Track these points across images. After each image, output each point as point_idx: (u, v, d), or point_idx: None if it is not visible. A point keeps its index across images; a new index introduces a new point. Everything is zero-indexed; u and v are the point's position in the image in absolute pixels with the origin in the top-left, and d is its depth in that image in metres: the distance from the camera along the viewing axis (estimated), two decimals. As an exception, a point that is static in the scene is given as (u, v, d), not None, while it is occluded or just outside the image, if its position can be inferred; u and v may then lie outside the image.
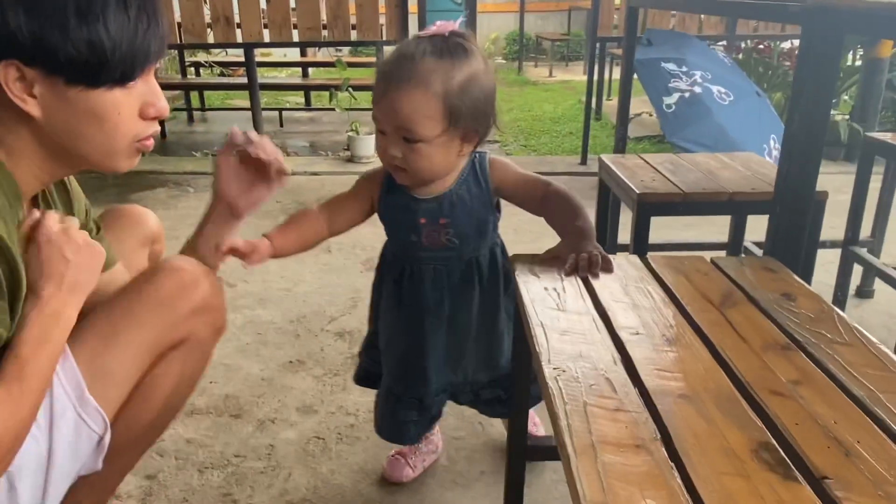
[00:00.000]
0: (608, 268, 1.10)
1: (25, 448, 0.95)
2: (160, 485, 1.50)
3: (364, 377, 1.48)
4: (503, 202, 1.31)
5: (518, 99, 7.66)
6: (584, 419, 0.74)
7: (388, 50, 4.52)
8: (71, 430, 0.98)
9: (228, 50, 6.33)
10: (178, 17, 3.73)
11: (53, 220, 0.94)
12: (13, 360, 0.90)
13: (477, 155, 1.23)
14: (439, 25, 1.12)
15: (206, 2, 3.74)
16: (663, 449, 0.69)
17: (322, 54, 7.70)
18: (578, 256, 1.10)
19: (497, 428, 1.71)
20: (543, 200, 1.22)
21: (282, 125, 6.04)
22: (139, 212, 1.37)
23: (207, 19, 3.76)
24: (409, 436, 1.42)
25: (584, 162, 4.20)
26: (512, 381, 1.23)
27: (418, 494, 1.49)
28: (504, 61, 10.47)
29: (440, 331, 1.28)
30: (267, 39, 3.78)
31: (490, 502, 1.47)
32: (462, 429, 1.71)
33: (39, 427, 0.97)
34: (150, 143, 0.99)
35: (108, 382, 1.01)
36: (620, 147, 2.32)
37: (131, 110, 0.94)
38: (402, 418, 1.36)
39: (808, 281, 1.56)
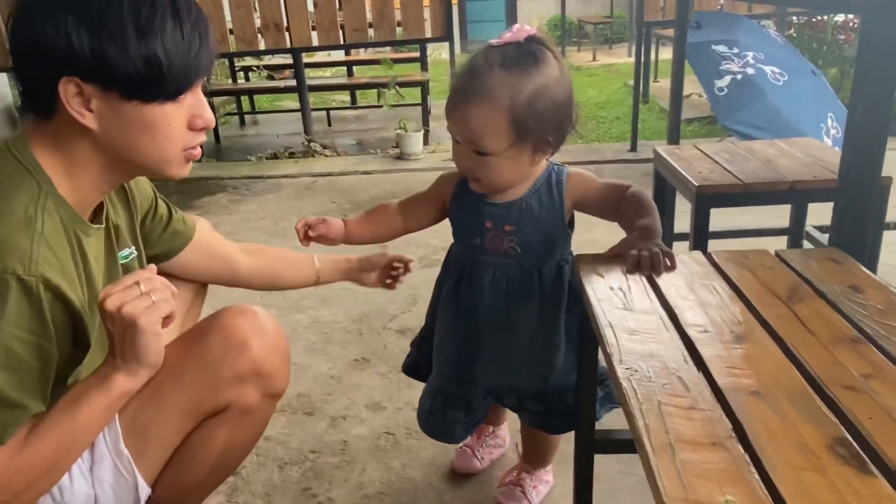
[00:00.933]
0: (672, 265, 1.10)
1: (76, 486, 1.01)
2: (244, 480, 1.58)
3: (412, 368, 1.50)
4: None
5: (562, 85, 7.61)
6: (660, 418, 0.77)
7: (434, 47, 4.52)
8: (110, 475, 1.01)
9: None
10: (229, 24, 3.84)
11: (133, 302, 0.91)
12: (70, 415, 0.94)
13: (555, 167, 1.23)
14: (515, 31, 1.11)
15: (256, 9, 3.83)
16: (739, 446, 0.72)
17: (366, 52, 7.78)
18: (640, 254, 1.09)
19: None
20: (619, 206, 1.20)
21: (330, 124, 6.15)
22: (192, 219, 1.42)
23: (257, 25, 3.85)
24: (455, 436, 1.42)
25: (633, 149, 4.16)
26: (580, 374, 1.25)
27: (487, 486, 1.54)
28: (546, 47, 10.40)
29: (493, 337, 1.28)
30: (315, 43, 3.86)
31: (559, 492, 1.51)
32: (526, 421, 1.75)
33: (82, 468, 1.01)
34: (199, 152, 1.03)
35: (144, 440, 1.01)
36: (674, 136, 2.31)
37: (181, 122, 0.98)
38: (451, 418, 1.37)
39: (874, 267, 1.54)
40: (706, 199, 1.58)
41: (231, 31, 3.85)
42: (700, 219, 1.59)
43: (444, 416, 1.37)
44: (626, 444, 1.32)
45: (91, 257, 1.02)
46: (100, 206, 1.07)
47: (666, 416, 0.77)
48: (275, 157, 4.70)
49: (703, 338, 0.93)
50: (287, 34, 3.81)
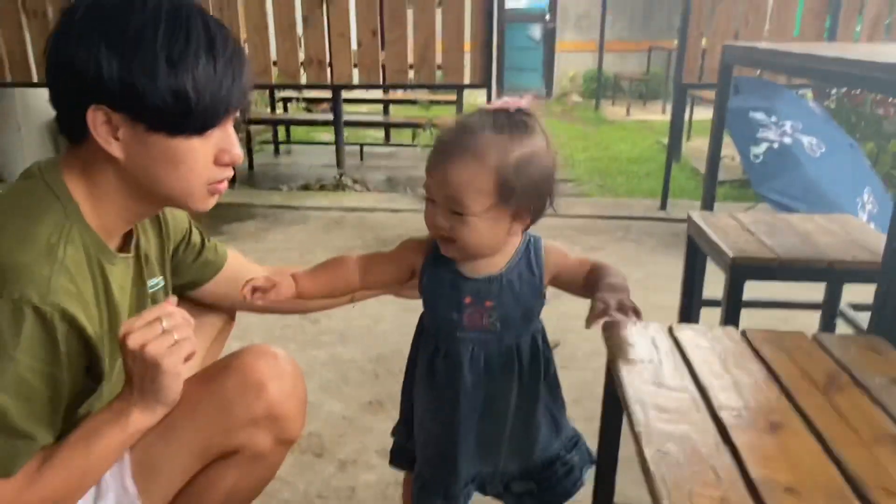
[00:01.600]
0: (638, 317, 1.04)
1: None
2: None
3: (400, 455, 1.37)
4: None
5: (594, 137, 7.64)
6: (690, 509, 0.74)
7: (471, 91, 4.57)
8: None
9: (314, 85, 6.56)
10: (274, 57, 3.92)
11: (156, 341, 0.91)
12: (83, 450, 0.92)
13: (532, 238, 1.18)
14: (505, 101, 1.09)
15: (301, 44, 3.91)
16: (773, 547, 0.69)
17: (403, 91, 7.90)
18: (611, 303, 1.04)
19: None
20: (587, 276, 1.17)
21: (362, 159, 6.21)
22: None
23: (301, 59, 3.93)
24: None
25: (663, 207, 4.14)
26: (602, 444, 1.22)
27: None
28: (581, 99, 10.48)
29: (473, 417, 1.20)
30: (356, 81, 3.92)
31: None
32: (540, 483, 1.70)
33: (85, 500, 0.99)
34: (224, 186, 1.02)
35: (151, 476, 1.00)
36: (709, 203, 2.29)
37: (207, 157, 0.96)
38: None
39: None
40: (742, 270, 1.55)
41: (275, 63, 3.93)
42: (734, 290, 1.56)
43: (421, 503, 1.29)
44: (645, 520, 1.27)
45: (115, 286, 1.01)
46: (129, 234, 1.06)
47: (696, 507, 0.74)
48: (306, 188, 4.74)
49: (736, 423, 0.89)
50: (329, 70, 3.88)
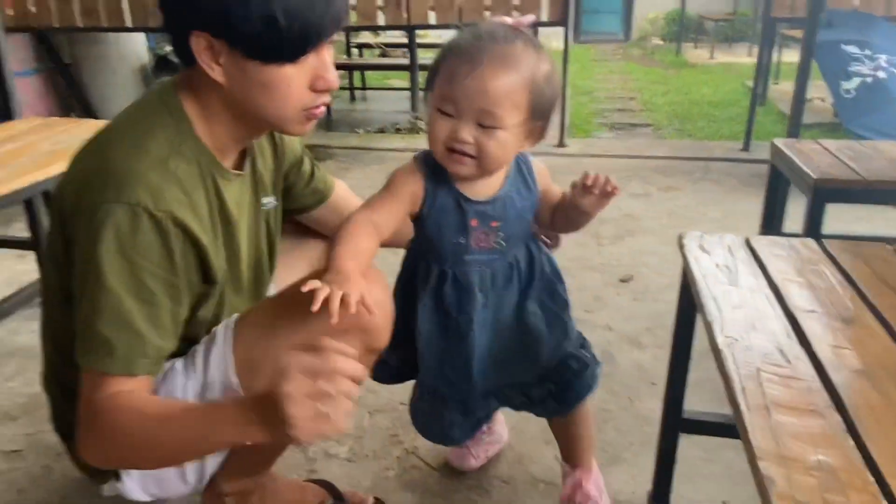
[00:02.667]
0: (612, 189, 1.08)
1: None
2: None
3: (394, 375, 1.39)
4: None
5: (675, 81, 7.40)
6: (758, 383, 0.78)
7: (543, 34, 4.52)
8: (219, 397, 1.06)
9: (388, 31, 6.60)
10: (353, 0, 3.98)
11: (323, 423, 0.85)
12: (197, 439, 0.94)
13: (520, 156, 1.18)
14: (518, 20, 1.07)
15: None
16: (837, 415, 0.73)
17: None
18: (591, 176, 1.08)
19: (646, 403, 1.75)
20: (560, 202, 1.20)
21: (436, 104, 6.24)
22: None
23: (378, 2, 3.97)
24: (454, 438, 1.35)
25: (746, 148, 4.02)
26: (674, 350, 1.27)
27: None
28: (662, 42, 10.12)
29: (485, 334, 1.22)
30: (433, 22, 3.94)
31: (639, 471, 1.52)
32: (611, 402, 1.77)
33: (193, 391, 1.07)
34: (320, 111, 1.04)
35: (253, 373, 1.04)
36: (794, 133, 2.23)
37: (301, 83, 0.98)
38: (448, 420, 1.31)
39: None
40: (823, 192, 1.54)
41: (353, 7, 3.99)
42: (814, 213, 1.55)
43: (441, 418, 1.31)
44: (715, 426, 1.33)
45: (232, 203, 1.08)
46: (245, 154, 1.13)
47: (764, 381, 0.79)
48: (381, 131, 4.84)
49: (808, 317, 0.93)
50: (406, 12, 3.91)
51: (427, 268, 1.20)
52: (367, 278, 1.03)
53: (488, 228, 1.14)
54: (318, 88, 1.00)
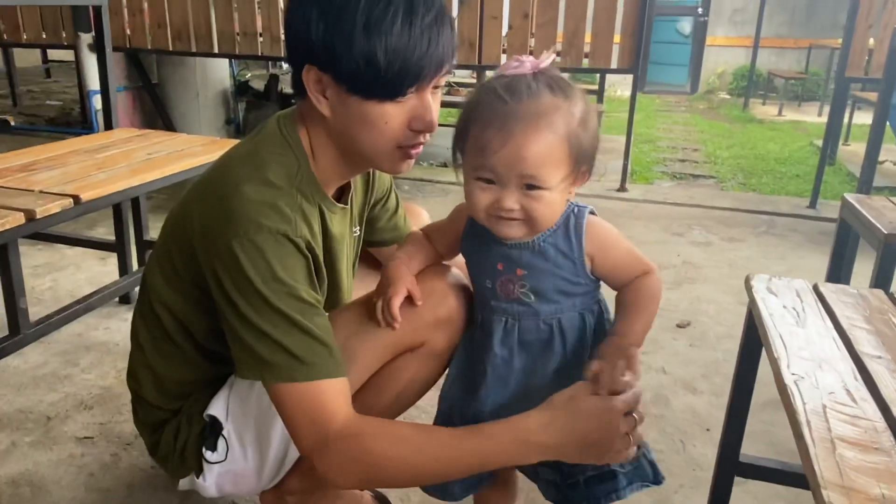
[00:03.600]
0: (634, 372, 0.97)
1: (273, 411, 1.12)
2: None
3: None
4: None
5: (740, 136, 7.34)
6: (823, 419, 0.80)
7: (610, 83, 4.55)
8: None
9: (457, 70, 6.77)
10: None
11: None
12: (476, 433, 0.98)
13: (576, 208, 1.07)
14: (534, 62, 0.98)
15: (453, 28, 4.09)
16: (903, 455, 0.74)
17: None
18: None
19: (698, 448, 1.74)
20: (631, 282, 1.08)
21: (499, 143, 6.34)
22: (417, 209, 1.57)
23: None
24: (451, 492, 1.20)
25: (812, 205, 3.97)
26: (732, 397, 1.27)
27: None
28: (728, 97, 10.06)
29: (502, 391, 1.12)
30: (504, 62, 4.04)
31: (690, 516, 1.51)
32: (662, 443, 1.76)
33: None
34: (417, 150, 1.05)
35: (350, 363, 1.07)
36: (865, 189, 2.22)
37: (400, 121, 1.00)
38: None
39: None
40: (894, 248, 1.53)
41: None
42: (884, 268, 1.54)
43: None
44: (771, 472, 1.32)
45: (335, 233, 1.14)
46: (346, 187, 1.17)
47: (830, 418, 0.80)
48: (445, 165, 4.95)
49: (875, 362, 0.94)
50: (478, 52, 4.03)
51: (473, 311, 1.18)
52: (428, 274, 1.14)
53: (514, 276, 1.06)
54: (415, 128, 1.02)
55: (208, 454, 1.18)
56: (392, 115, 0.99)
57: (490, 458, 0.98)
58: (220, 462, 1.18)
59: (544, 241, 1.05)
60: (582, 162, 0.99)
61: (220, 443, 1.18)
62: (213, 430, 1.18)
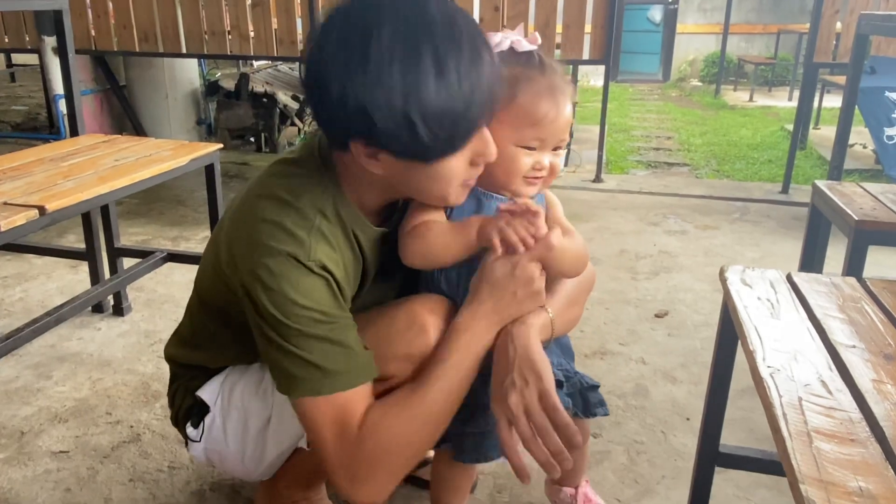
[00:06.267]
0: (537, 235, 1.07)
1: (254, 404, 1.18)
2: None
3: None
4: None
5: (712, 122, 7.42)
6: (799, 411, 0.80)
7: (583, 73, 4.58)
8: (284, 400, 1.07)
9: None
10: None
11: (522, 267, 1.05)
12: (433, 359, 1.05)
13: None
14: (529, 41, 1.11)
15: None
16: (878, 446, 0.75)
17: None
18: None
19: (679, 438, 1.76)
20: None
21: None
22: None
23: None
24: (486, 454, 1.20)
25: (785, 191, 4.02)
26: (711, 384, 1.28)
27: (599, 487, 1.58)
28: (700, 84, 10.15)
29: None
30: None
31: (672, 506, 1.53)
32: (644, 434, 1.77)
33: (266, 390, 1.18)
34: (474, 181, 1.06)
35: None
36: (836, 175, 2.24)
37: (462, 164, 0.99)
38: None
39: None
40: (865, 234, 1.55)
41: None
42: (855, 255, 1.56)
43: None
44: (751, 461, 1.33)
45: (370, 254, 1.10)
46: (392, 208, 1.14)
47: (805, 410, 0.81)
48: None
49: (849, 352, 0.94)
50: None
51: None
52: (414, 302, 1.12)
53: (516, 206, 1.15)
54: (476, 164, 1.02)
55: (189, 429, 1.27)
56: (455, 165, 0.98)
57: (463, 366, 1.06)
58: (196, 442, 1.26)
59: None
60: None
61: (201, 424, 1.25)
62: (199, 411, 1.25)
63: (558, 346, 1.23)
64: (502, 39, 1.09)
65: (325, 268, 0.99)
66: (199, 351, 1.26)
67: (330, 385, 0.99)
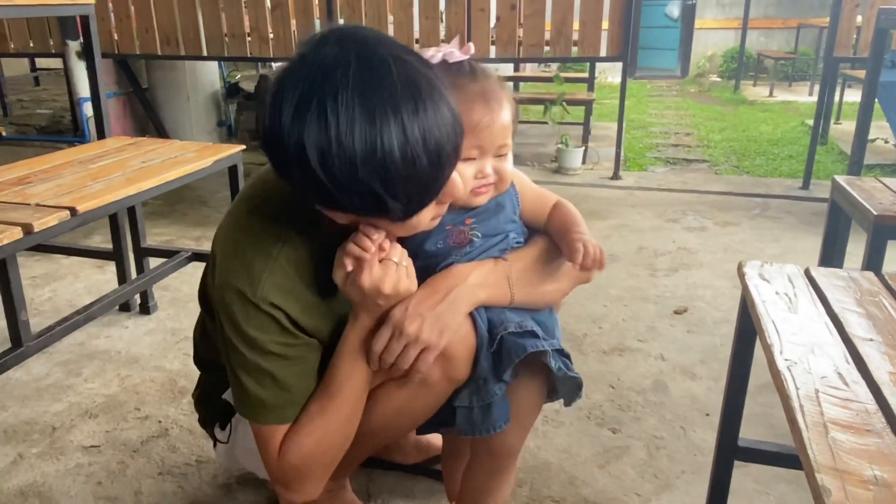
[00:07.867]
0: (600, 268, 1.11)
1: None
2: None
3: None
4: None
5: (732, 118, 7.35)
6: (816, 403, 0.82)
7: (600, 70, 4.58)
8: None
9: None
10: (417, 34, 4.12)
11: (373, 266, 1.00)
12: (328, 380, 1.09)
13: None
14: (460, 51, 1.07)
15: (443, 20, 4.10)
16: (894, 435, 0.76)
17: (530, 69, 7.95)
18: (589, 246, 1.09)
19: (699, 433, 1.77)
20: (551, 213, 1.21)
21: (492, 135, 6.33)
22: None
23: (441, 36, 4.11)
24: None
25: (805, 186, 3.99)
26: (729, 383, 1.29)
27: (619, 481, 1.59)
28: (719, 79, 10.07)
29: None
30: (493, 55, 4.05)
31: (690, 500, 1.54)
32: (663, 430, 1.79)
33: None
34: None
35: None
36: (855, 170, 2.24)
37: (430, 210, 0.98)
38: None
39: None
40: (884, 229, 1.55)
41: (417, 41, 4.14)
42: (874, 250, 1.56)
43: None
44: (770, 455, 1.34)
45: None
46: None
47: (822, 402, 0.82)
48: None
49: (866, 345, 0.95)
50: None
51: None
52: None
53: (463, 226, 1.14)
54: (442, 202, 1.02)
55: (217, 431, 1.33)
56: (423, 214, 0.97)
57: (354, 368, 1.09)
58: (224, 443, 1.32)
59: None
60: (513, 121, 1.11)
61: (228, 426, 1.30)
62: (225, 412, 1.30)
63: (535, 320, 1.18)
64: (434, 53, 1.06)
65: (273, 304, 1.01)
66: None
67: (265, 417, 1.08)
